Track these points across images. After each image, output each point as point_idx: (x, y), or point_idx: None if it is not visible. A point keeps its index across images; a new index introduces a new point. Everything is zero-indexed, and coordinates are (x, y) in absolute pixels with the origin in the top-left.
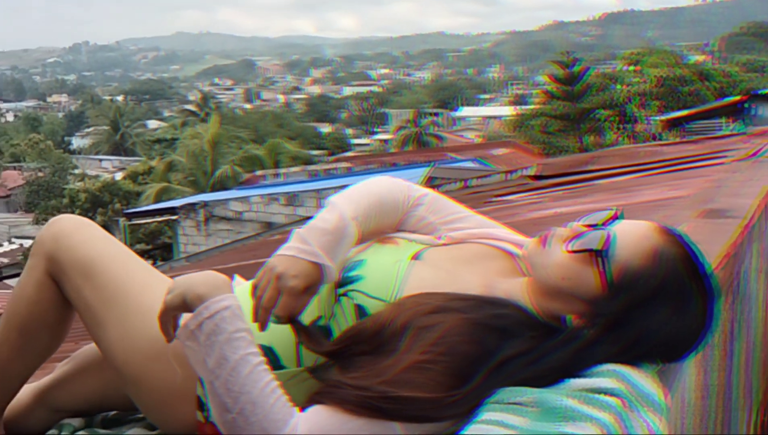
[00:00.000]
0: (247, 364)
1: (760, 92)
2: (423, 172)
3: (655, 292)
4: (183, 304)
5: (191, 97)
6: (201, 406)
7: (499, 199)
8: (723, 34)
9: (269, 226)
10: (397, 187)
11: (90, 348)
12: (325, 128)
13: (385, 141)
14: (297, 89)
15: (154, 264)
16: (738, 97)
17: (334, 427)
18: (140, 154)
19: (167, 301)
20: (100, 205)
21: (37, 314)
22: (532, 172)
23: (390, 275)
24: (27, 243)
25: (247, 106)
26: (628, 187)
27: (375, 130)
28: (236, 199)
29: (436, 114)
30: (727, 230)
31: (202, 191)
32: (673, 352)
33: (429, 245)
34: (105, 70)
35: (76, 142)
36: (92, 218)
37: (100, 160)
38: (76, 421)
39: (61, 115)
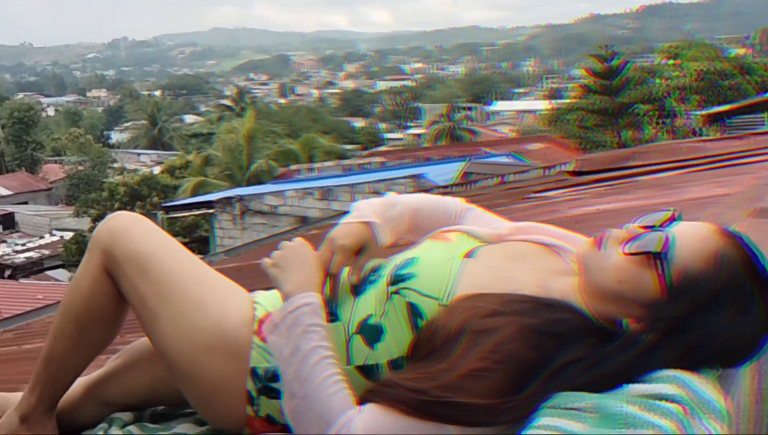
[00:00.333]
0: (316, 355)
1: None
2: (458, 166)
3: (716, 296)
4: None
5: (227, 92)
6: (251, 401)
7: (538, 195)
8: (764, 27)
9: (304, 220)
10: (447, 199)
11: (141, 342)
12: (359, 123)
13: (419, 135)
14: (331, 84)
15: None
16: None
17: (389, 427)
18: (177, 148)
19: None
20: (139, 198)
21: (93, 307)
22: (570, 167)
23: (443, 273)
24: (67, 235)
25: (282, 100)
26: (671, 183)
27: (408, 124)
28: (271, 193)
29: (469, 108)
30: None
31: (238, 185)
32: (734, 357)
33: (483, 243)
34: (143, 66)
35: (115, 136)
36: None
37: (139, 154)
38: (125, 415)
39: (100, 109)
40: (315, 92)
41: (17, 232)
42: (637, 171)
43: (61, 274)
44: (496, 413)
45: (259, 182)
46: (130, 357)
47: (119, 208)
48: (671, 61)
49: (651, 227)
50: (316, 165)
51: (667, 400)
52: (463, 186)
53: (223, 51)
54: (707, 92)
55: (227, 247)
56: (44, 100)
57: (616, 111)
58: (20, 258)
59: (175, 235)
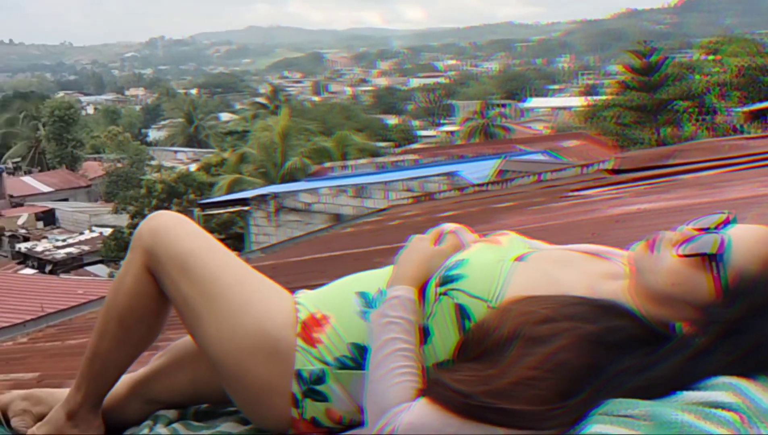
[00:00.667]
0: (392, 345)
1: None
2: (492, 164)
3: None
4: None
5: (262, 90)
6: (295, 403)
7: (576, 193)
8: None
9: (337, 217)
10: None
11: (184, 341)
12: (392, 120)
13: (452, 133)
14: (364, 81)
15: None
16: None
17: (436, 424)
18: (213, 146)
19: None
20: (176, 195)
21: (136, 306)
22: (609, 165)
23: (492, 275)
24: (106, 231)
25: (316, 98)
26: (714, 182)
27: (441, 121)
28: (305, 190)
29: (503, 105)
30: None
31: (273, 183)
32: None
33: (535, 249)
34: (180, 64)
35: (153, 134)
36: (168, 208)
37: (175, 151)
38: (170, 413)
39: (138, 108)
40: (348, 90)
41: (58, 228)
42: (678, 169)
43: (100, 269)
44: (544, 419)
45: (294, 180)
46: (174, 355)
47: (157, 205)
48: (711, 57)
49: (705, 229)
50: (350, 162)
51: (723, 408)
52: (499, 184)
53: (258, 49)
54: (748, 88)
55: (262, 244)
56: (84, 98)
57: (654, 108)
58: (61, 253)
59: (210, 231)
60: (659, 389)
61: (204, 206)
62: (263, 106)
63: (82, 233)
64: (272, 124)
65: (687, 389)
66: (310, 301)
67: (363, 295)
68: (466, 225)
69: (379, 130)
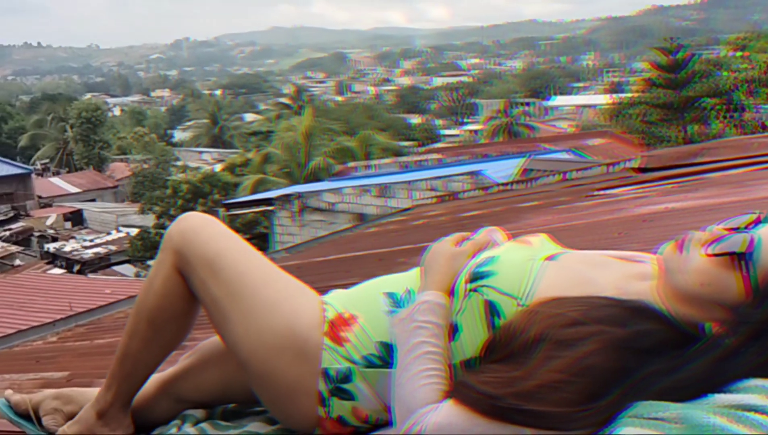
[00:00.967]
0: (420, 349)
1: None
2: (517, 163)
3: None
4: None
5: (285, 91)
6: (322, 401)
7: (602, 192)
8: None
9: (361, 217)
10: None
11: (212, 341)
12: (415, 119)
13: (475, 132)
14: (387, 81)
15: None
16: None
17: (463, 425)
18: (237, 146)
19: None
20: (201, 195)
21: (165, 306)
22: (636, 164)
23: (523, 272)
24: (133, 231)
25: (339, 98)
26: (743, 181)
27: (465, 120)
28: (329, 190)
29: (527, 104)
30: None
31: (297, 182)
32: None
33: (565, 250)
34: (204, 65)
35: (178, 135)
36: (193, 208)
37: (200, 152)
38: (198, 412)
39: (163, 109)
40: (371, 89)
41: (85, 228)
42: (707, 168)
43: (127, 269)
44: (572, 420)
45: (317, 179)
46: (203, 355)
47: (182, 205)
48: (739, 53)
49: (735, 229)
50: (373, 162)
51: (756, 411)
52: (524, 183)
53: (282, 50)
54: None
55: (286, 244)
56: (110, 100)
57: (681, 105)
58: (88, 253)
59: (235, 231)
60: (689, 391)
61: (229, 206)
62: (287, 106)
63: (109, 233)
64: (296, 124)
65: (718, 392)
66: (337, 300)
67: (391, 295)
68: (491, 225)
69: (402, 129)
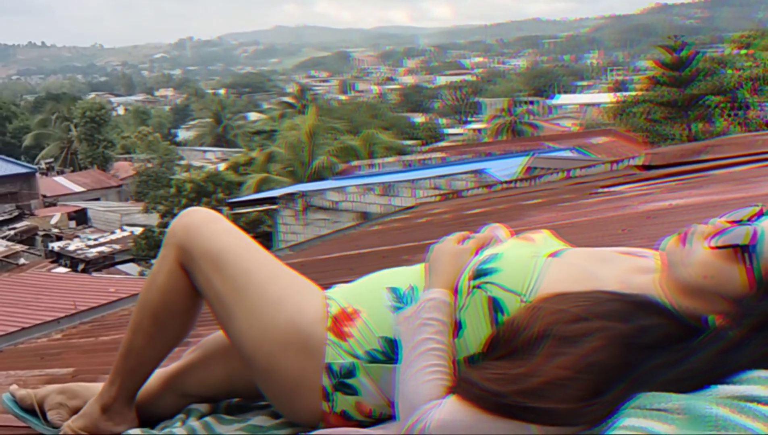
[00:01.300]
0: (424, 345)
1: None
2: (520, 161)
3: None
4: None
5: (289, 90)
6: (326, 396)
7: (606, 190)
8: None
9: (365, 215)
10: None
11: (216, 336)
12: (419, 118)
13: (479, 130)
14: (391, 80)
15: None
16: None
17: (467, 421)
18: (241, 145)
19: None
20: (205, 194)
21: (169, 302)
22: (639, 161)
23: (526, 269)
24: (137, 230)
25: (342, 97)
26: (747, 178)
27: (468, 119)
28: (333, 189)
29: (531, 102)
30: None
31: (300, 181)
32: None
33: (568, 245)
34: (208, 65)
35: (182, 134)
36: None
37: (204, 151)
38: (202, 407)
39: (167, 108)
40: (375, 88)
41: (90, 227)
42: (711, 165)
43: (131, 268)
44: (577, 416)
45: (321, 178)
46: (207, 350)
47: (186, 204)
48: (743, 51)
49: (738, 222)
50: (377, 161)
51: (758, 402)
52: (527, 181)
53: (286, 49)
54: None
55: (290, 242)
56: (114, 99)
57: (685, 103)
58: (92, 252)
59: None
60: (692, 382)
61: (233, 205)
62: (290, 105)
63: (113, 232)
64: (299, 123)
65: (721, 383)
66: (341, 295)
67: (394, 290)
68: (495, 222)
69: (405, 128)
